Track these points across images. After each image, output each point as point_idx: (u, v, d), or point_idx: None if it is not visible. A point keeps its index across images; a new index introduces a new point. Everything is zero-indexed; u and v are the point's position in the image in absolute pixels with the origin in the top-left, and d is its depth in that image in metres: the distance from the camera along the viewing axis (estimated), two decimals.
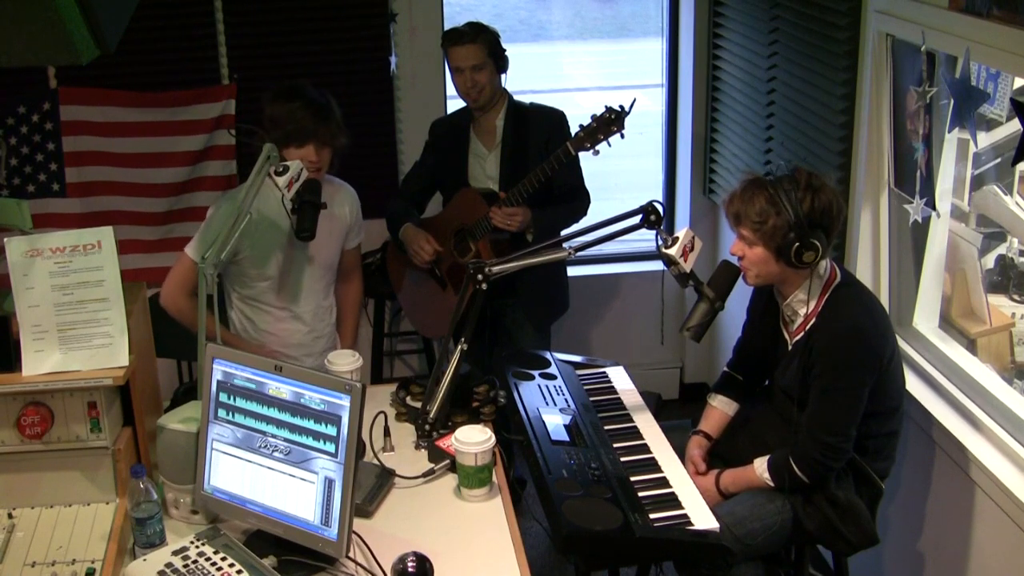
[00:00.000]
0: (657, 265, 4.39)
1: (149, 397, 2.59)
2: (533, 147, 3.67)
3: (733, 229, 2.76)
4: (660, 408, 3.09)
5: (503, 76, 3.74)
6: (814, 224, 2.62)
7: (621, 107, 3.29)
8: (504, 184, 3.68)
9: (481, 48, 3.62)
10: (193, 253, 3.01)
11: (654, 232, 2.71)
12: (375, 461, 2.65)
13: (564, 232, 3.65)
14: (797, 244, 2.62)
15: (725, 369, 3.12)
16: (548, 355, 3.20)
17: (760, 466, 2.80)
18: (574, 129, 3.40)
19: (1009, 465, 2.73)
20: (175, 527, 2.39)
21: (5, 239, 2.34)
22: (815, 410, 2.71)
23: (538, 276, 3.67)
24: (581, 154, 3.44)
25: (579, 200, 3.78)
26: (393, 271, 4.02)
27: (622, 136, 3.33)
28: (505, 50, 3.70)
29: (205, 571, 2.18)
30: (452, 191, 3.81)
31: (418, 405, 2.86)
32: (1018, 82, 2.87)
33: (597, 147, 3.33)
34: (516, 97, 3.79)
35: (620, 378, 3.14)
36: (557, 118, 3.75)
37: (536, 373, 3.05)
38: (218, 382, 2.30)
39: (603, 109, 3.30)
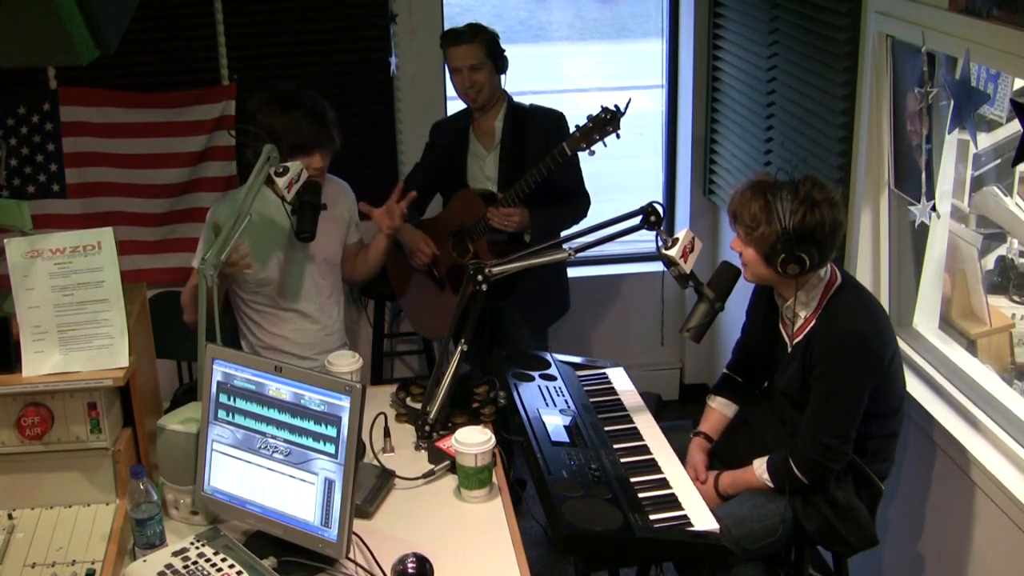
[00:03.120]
0: (657, 266, 4.40)
1: (149, 398, 2.60)
2: (532, 148, 3.67)
3: (731, 227, 2.77)
4: (660, 409, 3.09)
5: (503, 77, 3.74)
6: (803, 238, 2.61)
7: (616, 107, 3.29)
8: (503, 185, 3.68)
9: (479, 48, 3.63)
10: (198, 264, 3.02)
11: (654, 233, 2.71)
12: (375, 462, 2.65)
13: (564, 233, 3.65)
14: (783, 256, 2.62)
15: (724, 371, 3.12)
16: (548, 356, 3.20)
17: (759, 467, 2.80)
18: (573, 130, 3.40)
19: (1009, 466, 2.73)
20: (175, 528, 2.39)
21: (5, 240, 2.34)
22: (815, 412, 2.71)
23: (536, 278, 3.66)
24: (580, 155, 3.44)
25: (578, 202, 3.78)
26: (393, 272, 4.02)
27: (618, 136, 3.32)
28: (504, 51, 3.71)
29: (205, 572, 2.18)
30: (451, 192, 3.81)
31: (418, 406, 2.86)
32: (1018, 83, 2.88)
33: (593, 147, 3.32)
34: (516, 98, 3.79)
35: (620, 379, 3.14)
36: (556, 119, 3.75)
37: (536, 374, 3.05)
38: (218, 383, 2.30)
39: (599, 109, 3.30)
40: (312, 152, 2.96)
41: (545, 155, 3.42)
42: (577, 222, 3.77)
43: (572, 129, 3.39)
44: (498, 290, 3.55)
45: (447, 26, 4.30)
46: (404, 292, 4.00)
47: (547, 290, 3.89)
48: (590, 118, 3.30)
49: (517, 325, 3.85)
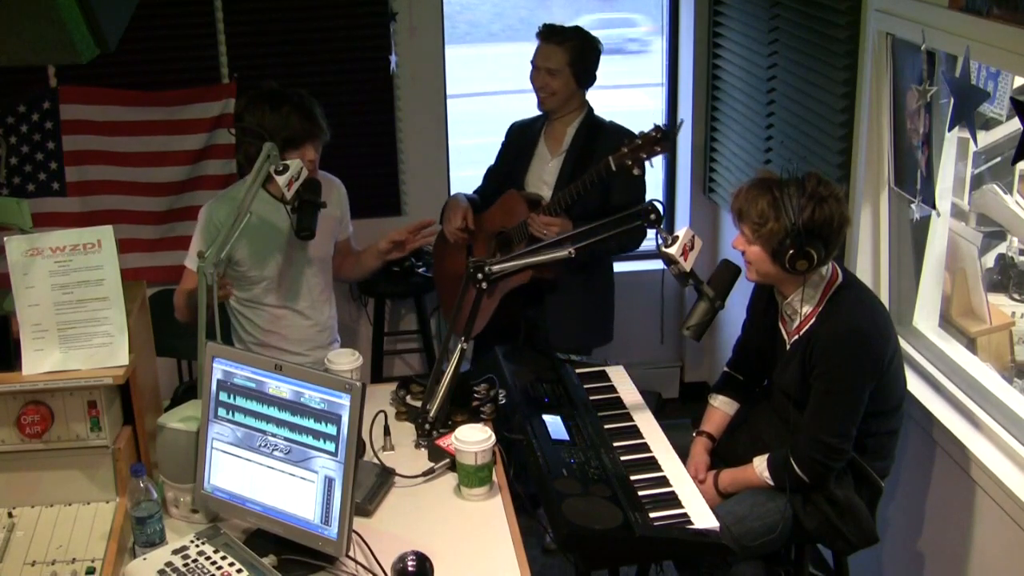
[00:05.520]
0: (657, 264, 4.40)
1: (149, 396, 2.59)
2: (596, 162, 3.49)
3: (735, 225, 2.77)
4: (660, 407, 3.09)
5: (583, 90, 3.65)
6: (812, 234, 2.61)
7: (668, 126, 3.21)
8: (558, 192, 3.58)
9: (563, 54, 3.55)
10: (193, 264, 3.02)
11: (654, 231, 2.71)
12: (375, 460, 2.65)
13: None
14: (792, 251, 2.62)
15: (725, 369, 3.13)
16: (548, 354, 3.19)
17: (759, 465, 2.80)
18: None
19: (1009, 464, 2.74)
20: (175, 526, 2.39)
21: (5, 238, 2.34)
22: (816, 410, 2.71)
23: (567, 303, 3.62)
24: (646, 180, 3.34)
25: (632, 228, 3.63)
26: (437, 271, 3.98)
27: (664, 157, 3.25)
28: (594, 67, 3.60)
29: (205, 570, 2.18)
30: (509, 188, 3.74)
31: (418, 404, 2.86)
32: (1018, 81, 2.87)
33: (639, 165, 3.23)
34: (539, 104, 3.68)
35: (620, 377, 3.14)
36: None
37: (536, 372, 3.04)
38: (218, 381, 2.30)
39: (651, 127, 3.21)
40: (303, 145, 2.97)
41: (601, 160, 3.32)
42: (626, 250, 3.67)
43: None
44: (527, 297, 3.53)
45: (447, 25, 4.30)
46: (444, 290, 3.95)
47: (586, 318, 3.80)
48: (640, 135, 3.21)
49: (547, 344, 3.73)
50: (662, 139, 3.18)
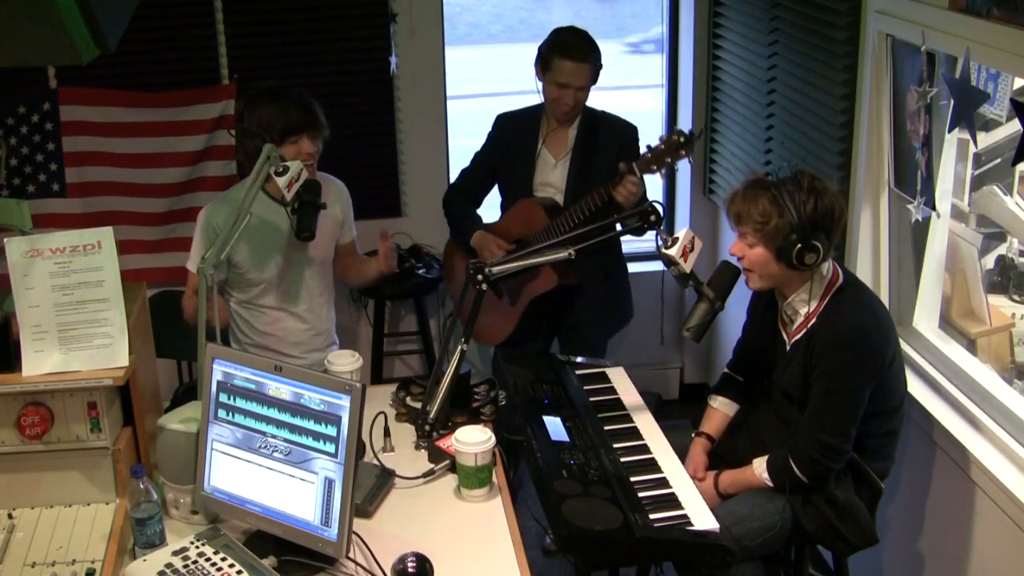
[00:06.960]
0: (657, 265, 4.39)
1: (149, 397, 2.60)
2: (601, 158, 3.55)
3: (734, 229, 2.76)
4: (660, 408, 3.09)
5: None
6: (816, 226, 2.62)
7: (691, 132, 3.19)
8: (569, 193, 3.60)
9: (592, 69, 3.54)
10: (194, 267, 3.03)
11: (654, 232, 2.71)
12: (375, 461, 2.65)
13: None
14: (799, 246, 2.61)
15: (725, 370, 3.12)
16: (548, 355, 3.19)
17: (759, 466, 2.80)
18: (643, 148, 3.30)
19: (1009, 465, 2.74)
20: (175, 527, 2.39)
21: (5, 239, 2.35)
22: (815, 411, 2.71)
23: (601, 289, 3.64)
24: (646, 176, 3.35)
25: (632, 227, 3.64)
26: (450, 279, 3.99)
27: (690, 161, 3.26)
28: (600, 66, 3.61)
29: (205, 571, 2.18)
30: (513, 194, 3.74)
31: (418, 405, 2.86)
32: (1018, 82, 2.87)
33: (663, 170, 3.23)
34: (562, 118, 3.66)
35: (620, 378, 3.14)
36: (630, 132, 3.63)
37: (536, 373, 3.04)
38: (218, 382, 2.30)
39: (672, 131, 3.22)
40: (301, 134, 2.97)
41: (613, 168, 3.33)
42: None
43: (643, 149, 3.29)
44: (552, 301, 3.53)
45: (447, 25, 4.29)
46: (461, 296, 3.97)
47: (610, 302, 3.82)
48: (663, 140, 3.21)
49: (573, 337, 3.80)
50: (685, 143, 3.18)
